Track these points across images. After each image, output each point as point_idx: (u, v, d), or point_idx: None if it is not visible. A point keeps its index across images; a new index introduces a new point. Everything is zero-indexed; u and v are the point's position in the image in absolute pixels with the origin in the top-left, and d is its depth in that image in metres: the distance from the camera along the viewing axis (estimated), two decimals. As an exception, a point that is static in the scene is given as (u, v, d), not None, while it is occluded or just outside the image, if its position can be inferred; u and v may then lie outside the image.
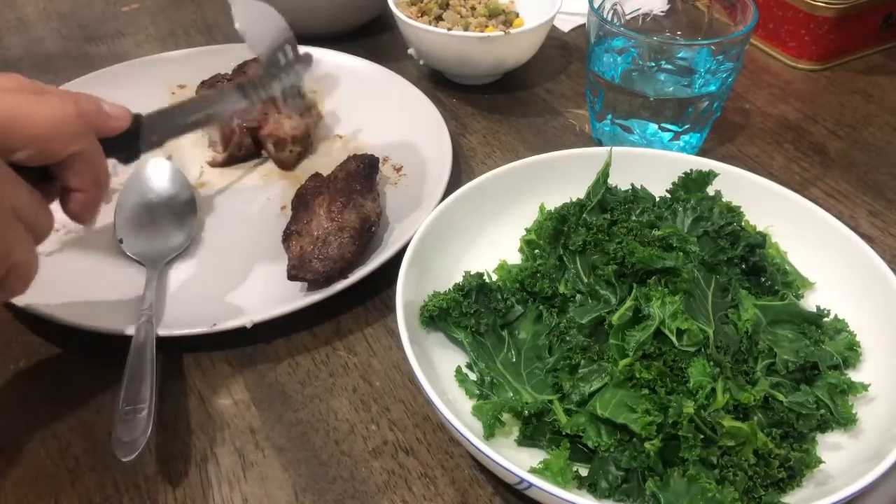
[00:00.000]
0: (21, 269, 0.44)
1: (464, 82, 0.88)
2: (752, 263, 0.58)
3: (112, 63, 0.87)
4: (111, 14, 1.05)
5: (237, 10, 0.67)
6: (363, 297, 0.64)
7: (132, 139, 0.52)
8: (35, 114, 0.42)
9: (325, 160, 0.77)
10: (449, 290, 0.57)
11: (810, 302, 0.59)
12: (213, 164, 0.77)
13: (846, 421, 0.51)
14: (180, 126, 0.59)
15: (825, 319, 0.56)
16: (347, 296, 0.62)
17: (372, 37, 0.97)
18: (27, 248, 0.43)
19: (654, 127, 0.74)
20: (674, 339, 0.50)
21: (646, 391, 0.48)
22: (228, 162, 0.77)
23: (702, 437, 0.46)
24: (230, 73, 0.81)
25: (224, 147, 0.76)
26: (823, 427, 0.51)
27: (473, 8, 0.88)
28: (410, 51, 0.91)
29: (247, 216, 0.72)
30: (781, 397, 0.51)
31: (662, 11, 0.78)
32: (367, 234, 0.64)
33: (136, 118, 0.53)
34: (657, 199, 0.62)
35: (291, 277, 0.61)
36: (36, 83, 0.46)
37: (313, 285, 0.62)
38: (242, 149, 0.77)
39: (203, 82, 0.80)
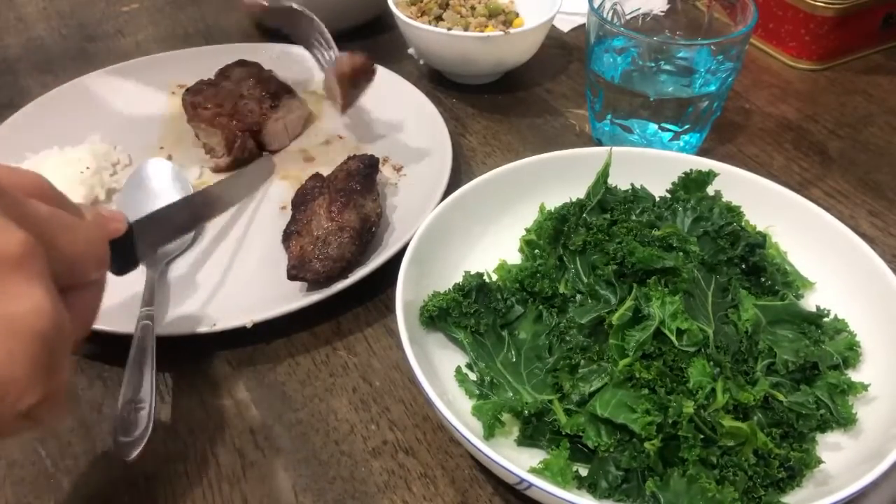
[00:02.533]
0: (61, 391, 0.38)
1: (464, 82, 0.88)
2: (752, 263, 0.58)
3: (112, 63, 0.87)
4: (111, 14, 1.05)
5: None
6: (363, 297, 0.64)
7: (127, 244, 0.48)
8: (76, 227, 0.39)
9: (325, 160, 0.78)
10: (449, 290, 0.57)
11: (810, 302, 0.59)
12: (217, 170, 0.76)
13: (846, 421, 0.51)
14: (172, 229, 0.60)
15: (825, 319, 0.56)
16: (347, 296, 0.62)
17: (372, 37, 0.97)
18: (68, 367, 0.38)
19: (654, 127, 0.74)
20: (674, 339, 0.50)
21: (646, 391, 0.48)
22: (231, 167, 0.77)
23: (702, 437, 0.46)
24: (213, 76, 0.81)
25: (228, 152, 0.76)
26: (823, 427, 0.51)
27: (473, 8, 0.88)
28: (410, 51, 0.92)
29: (247, 216, 0.72)
30: (781, 397, 0.51)
31: (662, 11, 0.78)
32: (368, 234, 0.64)
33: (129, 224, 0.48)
34: (657, 199, 0.62)
35: (291, 277, 0.61)
36: (61, 193, 0.41)
37: (313, 285, 0.62)
38: (246, 151, 0.77)
39: (188, 89, 0.80)
